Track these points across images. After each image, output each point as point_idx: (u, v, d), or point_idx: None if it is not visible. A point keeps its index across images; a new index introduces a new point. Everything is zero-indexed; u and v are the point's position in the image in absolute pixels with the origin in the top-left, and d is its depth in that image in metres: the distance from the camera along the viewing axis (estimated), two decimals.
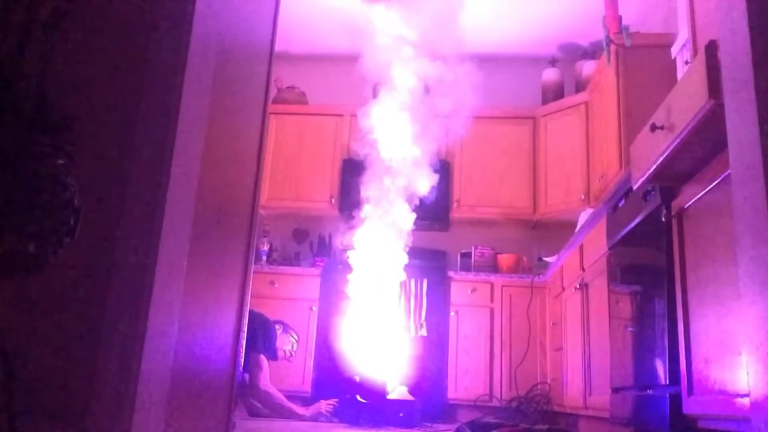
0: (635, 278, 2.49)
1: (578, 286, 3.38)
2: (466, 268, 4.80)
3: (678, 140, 1.73)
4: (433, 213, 4.76)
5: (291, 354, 3.94)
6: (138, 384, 0.84)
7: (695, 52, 2.19)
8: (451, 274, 4.67)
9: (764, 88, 1.06)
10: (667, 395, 1.94)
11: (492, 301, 4.55)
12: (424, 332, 4.45)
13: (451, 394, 4.40)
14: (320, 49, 5.42)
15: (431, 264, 4.76)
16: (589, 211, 3.85)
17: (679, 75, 3.30)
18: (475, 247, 4.86)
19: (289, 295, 4.63)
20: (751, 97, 1.08)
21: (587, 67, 4.86)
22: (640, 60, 3.78)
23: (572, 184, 4.69)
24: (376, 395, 3.60)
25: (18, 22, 0.85)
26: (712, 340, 1.70)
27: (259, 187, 1.61)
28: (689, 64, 1.98)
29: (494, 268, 4.78)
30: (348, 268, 4.09)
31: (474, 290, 4.58)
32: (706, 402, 1.71)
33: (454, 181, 5.01)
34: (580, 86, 4.92)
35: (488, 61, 4.52)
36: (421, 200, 4.14)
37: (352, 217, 4.20)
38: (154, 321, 0.87)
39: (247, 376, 3.59)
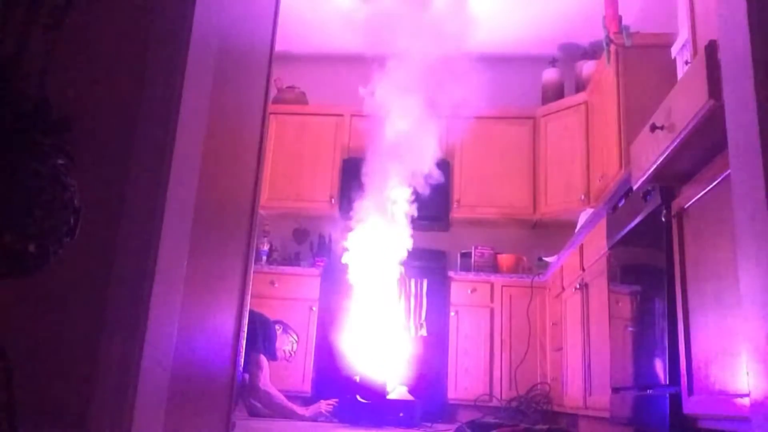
0: (635, 278, 2.49)
1: (578, 286, 3.38)
2: (466, 268, 4.80)
3: (678, 140, 1.73)
4: (433, 213, 4.76)
5: (291, 354, 3.94)
6: (138, 384, 0.84)
7: (695, 52, 2.19)
8: (451, 274, 4.67)
9: (764, 88, 1.06)
10: (667, 395, 1.94)
11: (492, 301, 4.55)
12: (424, 332, 4.44)
13: (451, 394, 4.39)
14: (320, 49, 5.42)
15: (431, 264, 4.76)
16: (589, 211, 3.85)
17: (679, 75, 3.29)
18: (475, 247, 4.86)
19: (289, 295, 4.63)
20: (751, 97, 1.08)
21: (587, 67, 4.86)
22: (640, 60, 3.78)
23: (572, 184, 4.68)
24: (376, 395, 3.60)
25: (18, 22, 0.84)
26: (712, 340, 1.70)
27: (259, 187, 1.61)
28: (689, 64, 1.98)
29: (494, 268, 4.78)
30: (348, 268, 4.09)
31: (474, 290, 4.58)
32: (706, 402, 1.71)
33: (454, 181, 5.00)
34: (580, 86, 4.92)
35: (488, 61, 4.51)
36: (422, 200, 4.14)
37: (352, 218, 4.20)
38: (154, 321, 0.87)
39: (247, 376, 3.59)
